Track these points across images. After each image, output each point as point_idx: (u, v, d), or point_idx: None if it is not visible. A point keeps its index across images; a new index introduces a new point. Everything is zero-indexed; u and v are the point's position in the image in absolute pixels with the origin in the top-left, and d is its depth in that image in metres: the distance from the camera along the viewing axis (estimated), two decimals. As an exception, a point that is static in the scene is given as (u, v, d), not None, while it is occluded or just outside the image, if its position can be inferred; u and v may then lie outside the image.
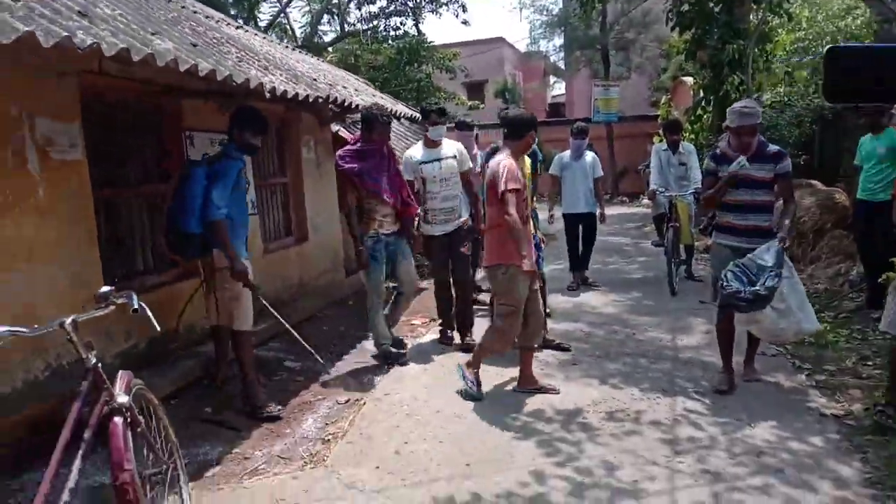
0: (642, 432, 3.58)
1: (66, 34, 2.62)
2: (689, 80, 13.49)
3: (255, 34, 8.26)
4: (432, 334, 5.69)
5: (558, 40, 26.13)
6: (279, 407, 4.06)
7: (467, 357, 4.40)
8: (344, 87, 6.60)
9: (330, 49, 16.72)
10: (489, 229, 4.24)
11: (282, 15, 19.04)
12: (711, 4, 11.19)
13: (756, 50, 10.63)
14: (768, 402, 3.90)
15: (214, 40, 4.59)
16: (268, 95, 4.05)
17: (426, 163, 5.19)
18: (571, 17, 18.34)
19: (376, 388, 4.47)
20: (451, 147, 5.29)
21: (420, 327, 6.03)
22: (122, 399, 2.23)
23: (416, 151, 5.34)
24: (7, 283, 3.30)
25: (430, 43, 19.55)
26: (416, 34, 19.92)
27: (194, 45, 3.75)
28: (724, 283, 3.84)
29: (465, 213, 5.41)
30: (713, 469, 3.11)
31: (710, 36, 11.05)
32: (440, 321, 5.54)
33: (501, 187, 3.87)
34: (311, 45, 14.53)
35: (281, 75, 4.69)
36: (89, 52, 2.79)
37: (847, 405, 3.81)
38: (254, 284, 4.03)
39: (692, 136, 11.44)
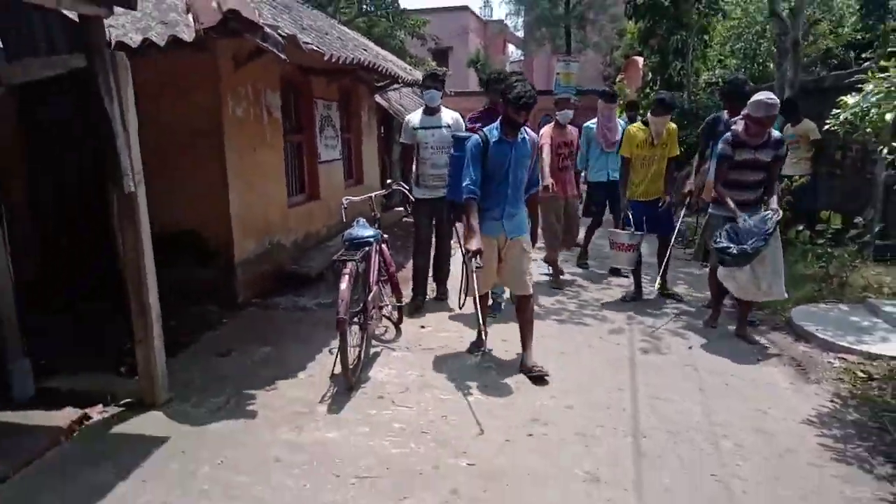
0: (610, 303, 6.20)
1: (353, 56, 4.99)
2: (640, 59, 15.86)
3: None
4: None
5: (523, 16, 28.21)
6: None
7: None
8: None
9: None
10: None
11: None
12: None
13: (696, 39, 13.18)
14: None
15: (341, 36, 6.89)
16: (400, 82, 6.37)
17: (421, 129, 5.20)
18: (540, -2, 20.49)
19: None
20: (448, 116, 5.24)
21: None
22: (384, 236, 4.61)
23: (415, 117, 5.31)
24: (264, 189, 5.64)
25: (402, 10, 20.93)
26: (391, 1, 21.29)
27: (356, 46, 6.07)
28: (717, 240, 4.39)
29: None
30: (639, 311, 5.70)
31: (660, 26, 13.56)
32: (412, 285, 5.51)
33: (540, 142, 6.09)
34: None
35: (383, 57, 7.03)
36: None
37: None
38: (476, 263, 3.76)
39: (642, 112, 13.96)
